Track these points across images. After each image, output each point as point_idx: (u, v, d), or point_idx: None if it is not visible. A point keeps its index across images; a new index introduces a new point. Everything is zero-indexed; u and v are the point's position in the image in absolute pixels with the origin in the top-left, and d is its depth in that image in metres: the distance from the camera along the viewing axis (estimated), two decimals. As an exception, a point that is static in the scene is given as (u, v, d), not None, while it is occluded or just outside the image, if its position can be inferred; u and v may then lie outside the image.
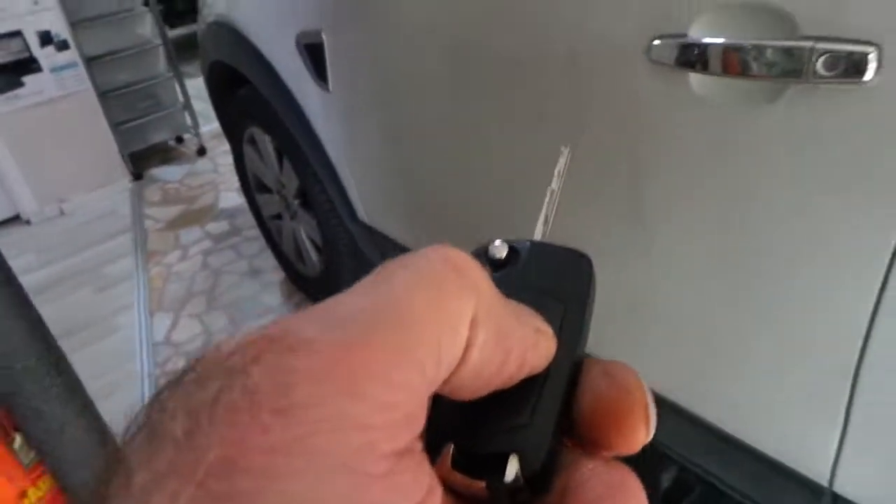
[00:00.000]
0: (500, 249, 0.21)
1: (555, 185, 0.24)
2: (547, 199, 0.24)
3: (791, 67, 0.53)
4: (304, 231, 1.69)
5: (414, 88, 1.01)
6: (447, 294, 0.15)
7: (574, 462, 0.18)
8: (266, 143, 1.63)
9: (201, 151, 3.00)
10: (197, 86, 3.32)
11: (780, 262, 0.62)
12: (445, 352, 0.15)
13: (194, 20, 4.90)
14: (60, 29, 2.49)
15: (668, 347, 0.78)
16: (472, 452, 0.17)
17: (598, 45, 0.69)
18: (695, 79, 0.61)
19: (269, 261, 2.08)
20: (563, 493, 0.17)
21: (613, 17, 0.66)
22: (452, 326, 0.15)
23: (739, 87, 0.58)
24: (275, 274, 2.05)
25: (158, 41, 2.80)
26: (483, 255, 0.21)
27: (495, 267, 0.21)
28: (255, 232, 2.11)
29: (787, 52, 0.53)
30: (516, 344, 0.17)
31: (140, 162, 2.93)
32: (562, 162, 0.25)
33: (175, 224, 2.48)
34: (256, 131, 1.66)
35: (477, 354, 0.15)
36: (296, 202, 1.65)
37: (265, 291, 1.99)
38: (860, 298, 0.56)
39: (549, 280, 0.20)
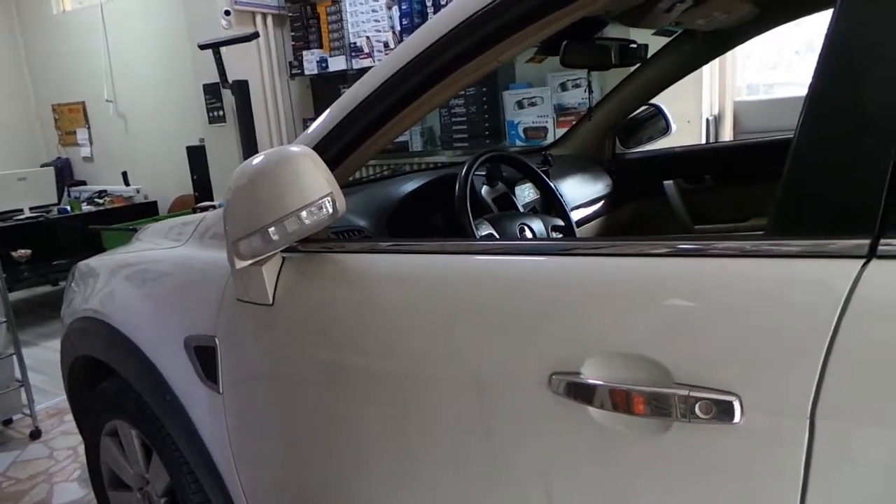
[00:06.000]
0: None
1: None
2: None
3: (671, 409, 0.63)
4: (168, 535, 1.50)
5: (312, 397, 1.03)
6: None
7: None
8: (132, 437, 1.51)
9: (35, 434, 2.64)
10: (33, 355, 3.05)
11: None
12: None
13: (36, 282, 4.58)
14: None
15: None
16: None
17: (503, 372, 0.77)
18: (593, 410, 0.70)
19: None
20: None
21: (518, 348, 0.76)
22: None
23: (633, 421, 0.67)
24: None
25: (2, 319, 2.59)
26: None
27: None
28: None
29: (664, 396, 0.64)
30: None
31: (-48, 452, 2.49)
32: None
33: (-8, 533, 2.06)
34: (122, 424, 1.53)
35: None
36: (162, 501, 1.49)
37: None
38: None
39: None
